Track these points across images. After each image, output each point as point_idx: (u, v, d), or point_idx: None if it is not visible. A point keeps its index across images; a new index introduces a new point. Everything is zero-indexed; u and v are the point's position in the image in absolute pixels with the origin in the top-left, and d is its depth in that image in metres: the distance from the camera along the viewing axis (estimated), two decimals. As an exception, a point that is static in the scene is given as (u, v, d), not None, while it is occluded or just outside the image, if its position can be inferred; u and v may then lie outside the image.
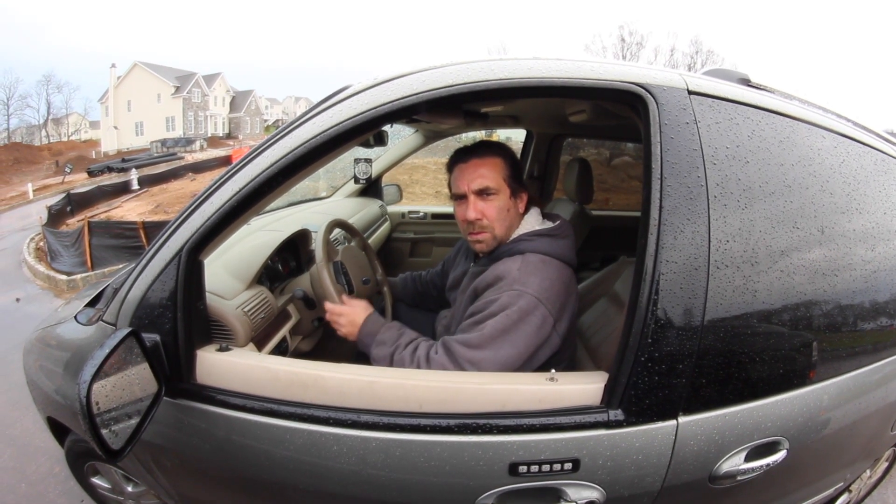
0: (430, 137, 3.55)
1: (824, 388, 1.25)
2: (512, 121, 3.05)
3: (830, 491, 1.59)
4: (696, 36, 46.98)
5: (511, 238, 1.58)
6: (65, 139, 62.12)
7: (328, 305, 1.66)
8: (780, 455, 1.22)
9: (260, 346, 1.66)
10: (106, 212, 15.87)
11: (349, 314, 1.61)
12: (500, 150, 1.62)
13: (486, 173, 1.55)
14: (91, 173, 31.14)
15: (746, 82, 1.39)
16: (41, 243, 10.51)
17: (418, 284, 2.27)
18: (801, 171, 1.23)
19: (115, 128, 53.21)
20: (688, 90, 1.18)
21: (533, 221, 1.61)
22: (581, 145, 4.04)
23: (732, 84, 1.29)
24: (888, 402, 1.43)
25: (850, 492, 1.90)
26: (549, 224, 1.61)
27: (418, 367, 1.39)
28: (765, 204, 1.17)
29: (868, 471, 1.90)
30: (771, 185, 1.18)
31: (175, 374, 1.26)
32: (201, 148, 43.16)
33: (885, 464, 2.07)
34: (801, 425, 1.24)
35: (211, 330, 1.45)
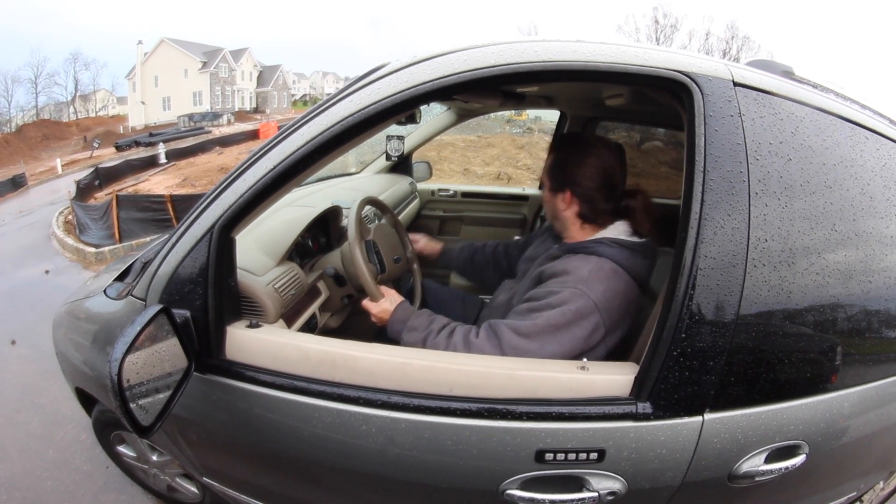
0: (463, 115, 3.49)
1: (846, 395, 1.22)
2: (546, 101, 2.98)
3: (843, 500, 1.56)
4: (732, 21, 46.12)
5: (591, 238, 1.53)
6: (92, 115, 63.35)
7: (365, 303, 1.65)
8: (799, 459, 1.20)
9: (289, 322, 1.66)
10: (134, 185, 16.15)
11: (382, 304, 1.62)
12: (556, 143, 1.67)
13: (546, 164, 1.63)
14: (119, 148, 31.76)
15: (790, 75, 1.35)
16: (70, 216, 10.69)
17: (478, 256, 2.23)
18: (842, 172, 1.19)
19: (143, 103, 53.84)
20: (733, 81, 1.14)
21: (620, 230, 1.54)
22: (610, 127, 3.95)
23: (777, 77, 1.24)
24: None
25: (861, 502, 1.88)
26: (635, 239, 1.53)
27: (454, 351, 1.38)
28: (804, 203, 1.13)
29: (882, 482, 1.87)
30: (812, 184, 1.15)
31: (205, 350, 1.28)
32: (228, 122, 43.75)
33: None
34: (823, 431, 1.21)
35: (241, 306, 1.46)
